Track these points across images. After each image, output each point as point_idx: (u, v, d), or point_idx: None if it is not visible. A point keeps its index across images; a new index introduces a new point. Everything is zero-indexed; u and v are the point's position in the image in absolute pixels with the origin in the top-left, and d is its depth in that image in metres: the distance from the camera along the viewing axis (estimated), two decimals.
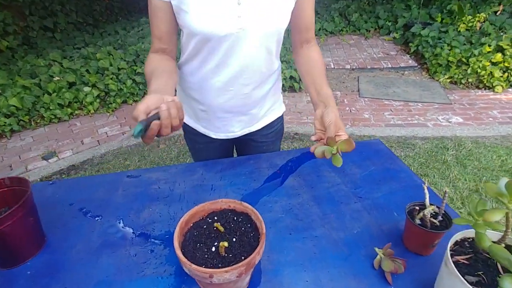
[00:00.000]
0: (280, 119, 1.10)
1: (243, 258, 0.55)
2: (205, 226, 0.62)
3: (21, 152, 2.62)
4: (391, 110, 3.15)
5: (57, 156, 2.56)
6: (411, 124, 2.89)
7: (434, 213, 0.67)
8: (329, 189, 0.89)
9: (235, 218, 0.64)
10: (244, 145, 1.10)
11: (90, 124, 3.01)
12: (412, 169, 2.26)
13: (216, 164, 1.02)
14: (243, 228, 0.61)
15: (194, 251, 0.57)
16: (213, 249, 0.57)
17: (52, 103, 2.98)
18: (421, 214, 0.65)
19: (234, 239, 0.59)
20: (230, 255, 0.56)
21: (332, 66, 4.23)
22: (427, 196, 0.68)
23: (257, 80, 0.90)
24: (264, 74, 0.92)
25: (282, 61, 3.64)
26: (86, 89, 3.18)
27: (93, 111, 3.16)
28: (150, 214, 0.83)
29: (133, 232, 0.78)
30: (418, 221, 0.65)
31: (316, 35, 5.14)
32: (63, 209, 0.86)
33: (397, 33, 4.80)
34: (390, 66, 4.16)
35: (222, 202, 0.65)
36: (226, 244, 0.55)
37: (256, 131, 1.05)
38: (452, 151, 2.45)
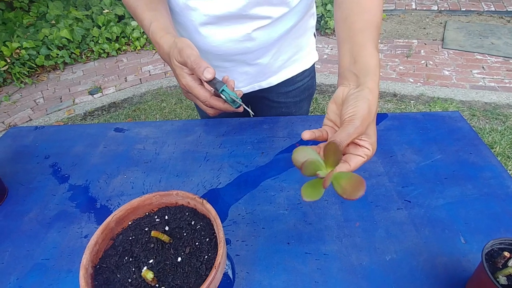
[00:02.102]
0: (309, 73, 0.79)
1: None
2: (147, 228, 0.42)
3: (71, 85, 2.70)
4: (483, 67, 2.47)
5: (102, 92, 2.59)
6: (508, 88, 2.23)
7: None
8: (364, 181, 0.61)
9: (193, 223, 0.42)
10: (258, 104, 0.84)
11: (136, 61, 2.94)
12: (498, 148, 1.76)
13: (220, 124, 0.79)
14: (197, 243, 0.40)
15: (116, 269, 0.38)
16: (145, 268, 0.38)
17: (100, 36, 2.95)
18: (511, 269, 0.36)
19: (179, 259, 0.38)
20: None
21: (414, 7, 3.43)
22: None
23: (265, 14, 0.60)
24: (277, 6, 0.60)
25: None
26: (134, 23, 3.06)
27: (140, 48, 3.07)
28: (122, 183, 0.66)
29: (95, 204, 0.63)
30: (503, 279, 0.37)
31: None
32: (36, 162, 0.74)
33: None
34: (493, 9, 3.22)
35: (178, 196, 0.44)
36: (151, 275, 0.34)
37: (269, 87, 0.76)
38: None
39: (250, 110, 0.53)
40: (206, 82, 0.48)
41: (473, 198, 0.56)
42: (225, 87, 0.49)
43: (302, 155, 0.34)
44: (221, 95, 0.50)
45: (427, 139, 0.69)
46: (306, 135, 0.39)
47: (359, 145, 0.38)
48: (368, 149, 0.37)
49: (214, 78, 0.49)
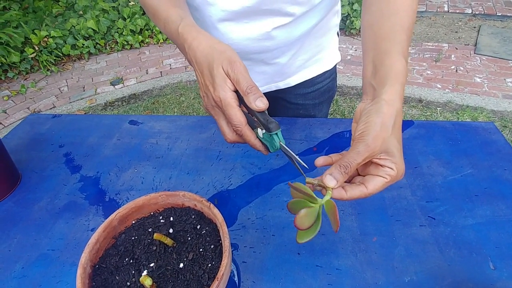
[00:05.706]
0: (330, 74, 0.75)
1: None
2: (150, 229, 0.40)
3: (94, 75, 2.75)
4: None
5: (123, 83, 2.62)
6: None
7: None
8: (384, 193, 0.57)
9: (198, 227, 0.40)
10: (274, 105, 0.80)
11: (158, 54, 2.97)
12: None
13: None
14: (201, 249, 0.37)
15: (116, 271, 0.36)
16: (145, 272, 0.36)
17: (125, 28, 2.99)
18: None
19: (181, 265, 0.36)
20: None
21: (446, 9, 3.28)
22: None
23: (286, 12, 0.56)
24: (299, 4, 0.56)
25: None
26: None
27: (162, 41, 3.10)
28: (132, 177, 0.65)
29: (104, 197, 0.62)
30: None
31: None
32: (51, 150, 0.74)
33: None
34: None
35: (185, 197, 0.41)
36: (149, 282, 0.32)
37: (287, 88, 0.73)
38: None
39: (302, 166, 0.40)
40: (257, 112, 0.38)
41: (506, 219, 0.51)
42: (280, 131, 0.40)
43: (294, 192, 0.32)
44: (263, 135, 0.39)
45: (456, 151, 0.64)
46: (319, 161, 0.35)
47: (380, 165, 0.33)
48: (391, 168, 0.33)
49: (264, 112, 0.39)
